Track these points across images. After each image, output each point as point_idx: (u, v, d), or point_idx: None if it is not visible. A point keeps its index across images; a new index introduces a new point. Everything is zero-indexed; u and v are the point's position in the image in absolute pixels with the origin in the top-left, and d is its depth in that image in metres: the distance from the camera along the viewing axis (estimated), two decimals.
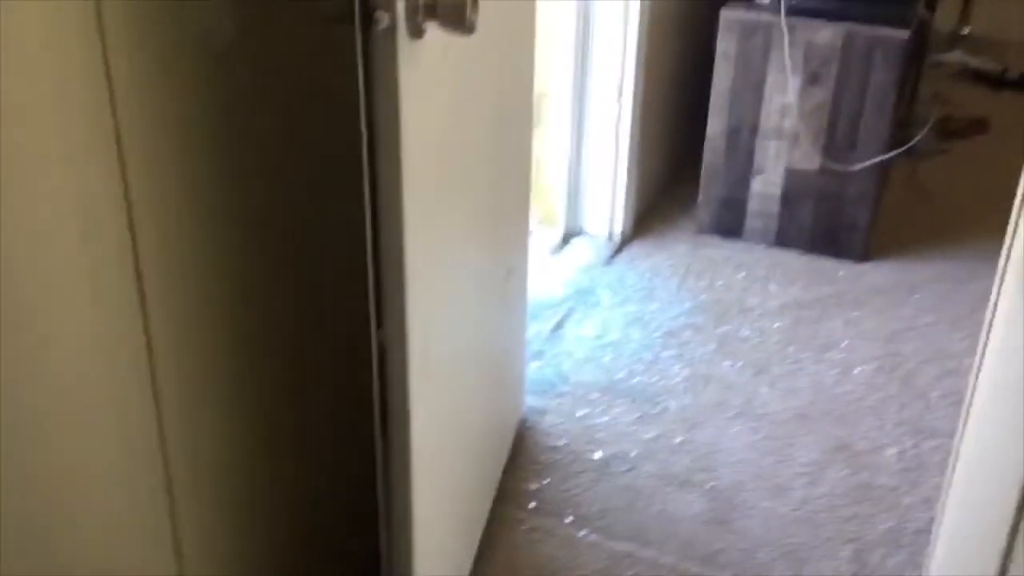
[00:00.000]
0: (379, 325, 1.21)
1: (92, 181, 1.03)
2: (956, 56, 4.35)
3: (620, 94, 2.79)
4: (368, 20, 1.05)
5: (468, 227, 1.56)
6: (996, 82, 4.20)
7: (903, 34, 2.66)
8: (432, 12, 1.10)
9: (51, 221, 0.98)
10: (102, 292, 1.06)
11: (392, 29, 1.05)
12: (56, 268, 1.00)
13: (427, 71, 1.17)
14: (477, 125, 1.53)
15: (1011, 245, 1.28)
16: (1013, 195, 1.33)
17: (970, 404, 1.41)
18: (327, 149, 1.35)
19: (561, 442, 2.17)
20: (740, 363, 2.45)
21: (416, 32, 1.10)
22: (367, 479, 1.32)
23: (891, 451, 2.17)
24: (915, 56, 3.07)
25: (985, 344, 1.36)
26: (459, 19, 1.09)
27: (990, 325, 1.34)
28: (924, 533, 1.89)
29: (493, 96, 1.62)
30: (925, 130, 3.26)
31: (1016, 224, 1.27)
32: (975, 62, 4.32)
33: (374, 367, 1.22)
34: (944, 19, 4.28)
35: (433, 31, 1.12)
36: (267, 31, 1.27)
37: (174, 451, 1.20)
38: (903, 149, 2.96)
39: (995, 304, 1.34)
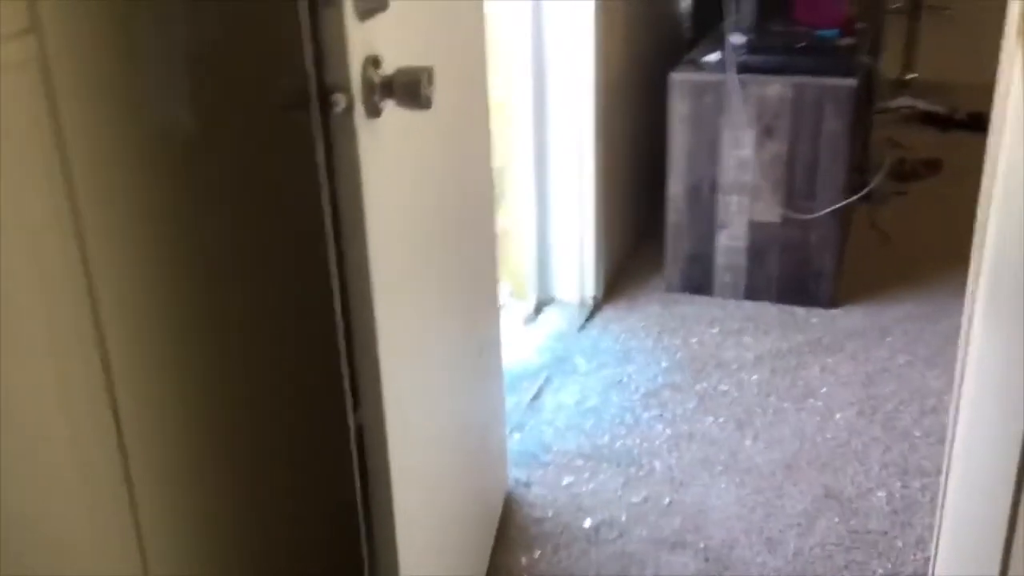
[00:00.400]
0: (356, 406, 1.20)
1: (55, 269, 1.02)
2: (904, 100, 4.46)
3: (580, 161, 2.83)
4: (326, 103, 1.05)
5: (438, 304, 1.55)
6: (945, 123, 4.29)
7: (851, 82, 2.72)
8: (388, 91, 1.11)
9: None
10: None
11: (350, 110, 1.06)
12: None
13: (387, 149, 1.17)
14: (440, 201, 1.54)
15: (975, 281, 1.30)
16: (972, 231, 1.35)
17: (952, 441, 1.41)
18: (294, 232, 1.35)
19: (549, 513, 2.14)
20: (722, 418, 2.44)
21: (374, 112, 1.11)
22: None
23: (880, 494, 2.16)
24: (864, 103, 3.13)
25: (961, 380, 1.36)
26: (415, 95, 1.11)
27: (963, 361, 1.35)
28: None
29: (454, 171, 1.63)
30: (881, 174, 3.32)
31: (979, 261, 1.29)
32: (923, 105, 4.42)
33: (352, 450, 1.21)
34: (889, 67, 4.40)
35: (391, 109, 1.13)
36: (226, 120, 1.28)
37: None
38: (861, 194, 3.01)
39: (966, 340, 1.35)
